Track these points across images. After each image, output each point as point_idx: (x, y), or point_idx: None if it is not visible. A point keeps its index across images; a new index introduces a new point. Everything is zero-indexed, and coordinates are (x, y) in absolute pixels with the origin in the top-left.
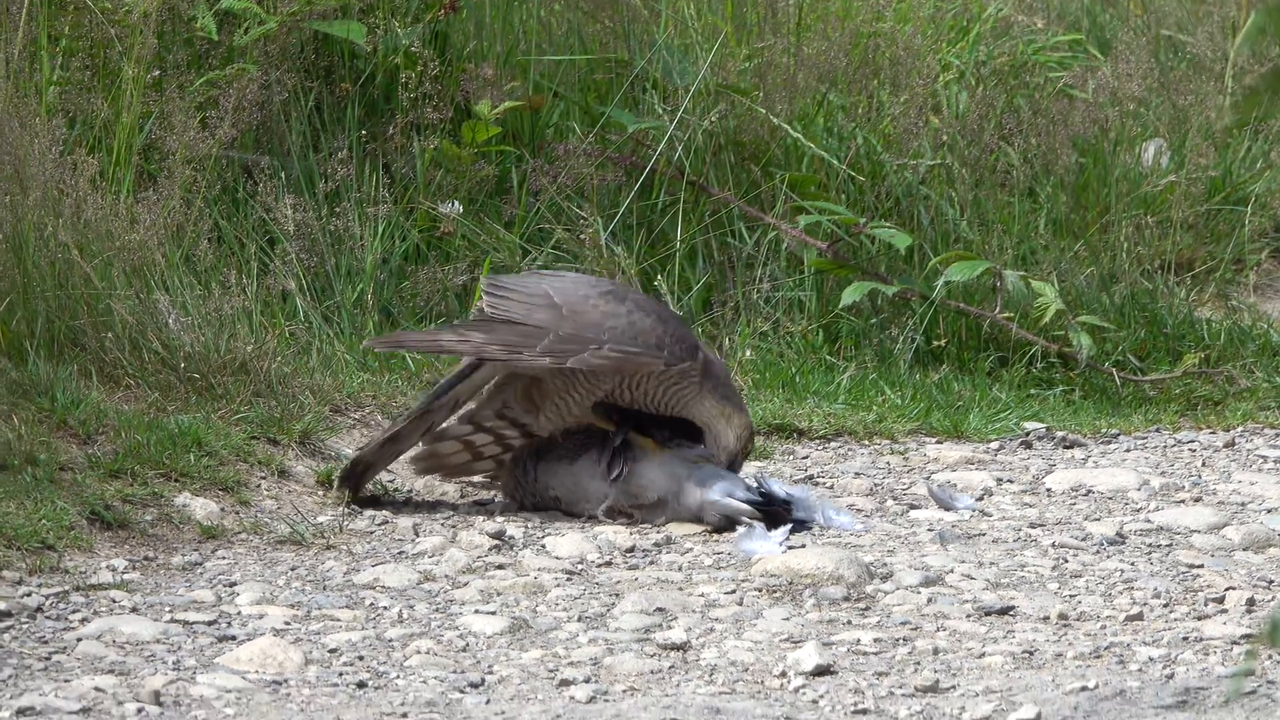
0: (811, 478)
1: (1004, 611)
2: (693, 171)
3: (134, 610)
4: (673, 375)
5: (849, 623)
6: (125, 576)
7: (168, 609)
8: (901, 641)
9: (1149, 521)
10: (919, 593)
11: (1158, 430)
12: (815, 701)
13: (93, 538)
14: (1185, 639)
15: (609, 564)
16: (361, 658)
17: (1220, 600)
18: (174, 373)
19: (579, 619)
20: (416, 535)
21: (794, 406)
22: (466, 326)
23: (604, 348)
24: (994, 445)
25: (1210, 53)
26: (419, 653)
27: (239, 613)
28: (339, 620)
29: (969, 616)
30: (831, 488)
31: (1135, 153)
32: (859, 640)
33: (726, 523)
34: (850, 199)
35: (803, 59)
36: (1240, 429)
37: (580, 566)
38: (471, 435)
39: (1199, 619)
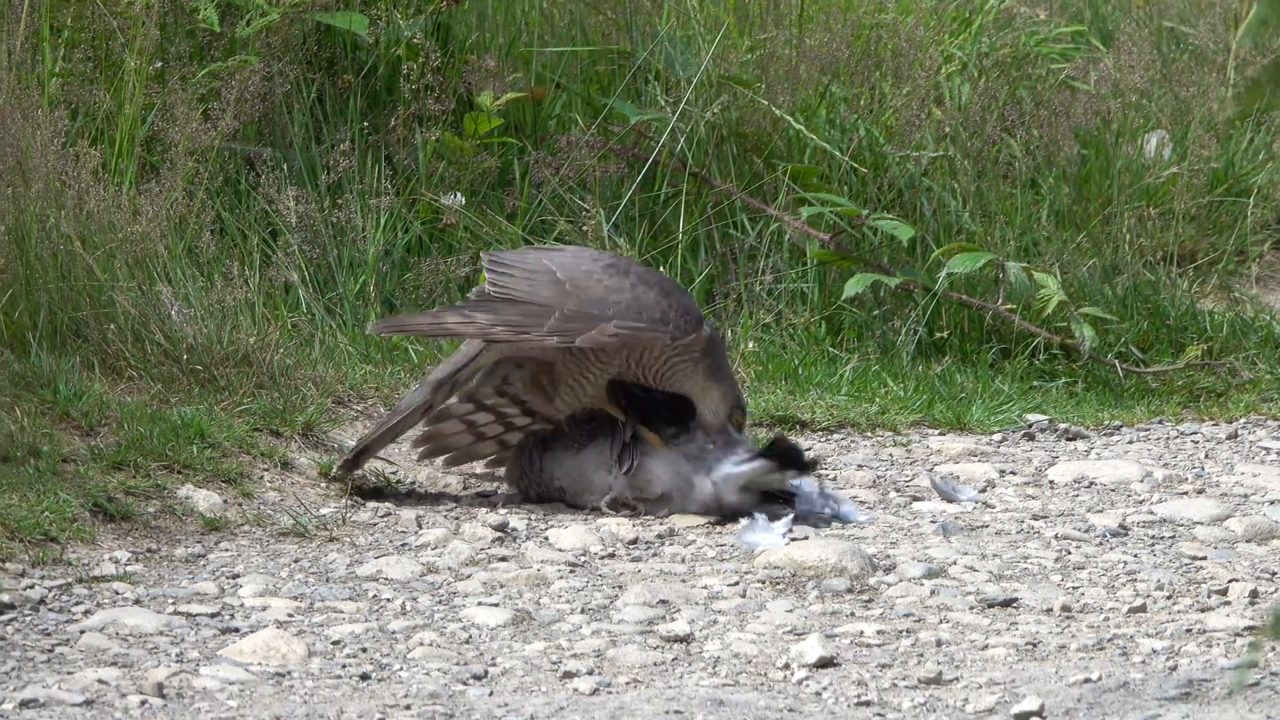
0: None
1: (1007, 603)
2: (695, 163)
3: (137, 602)
4: (676, 349)
5: (852, 615)
6: (128, 568)
7: (171, 601)
8: (905, 633)
9: (1152, 513)
10: (922, 585)
11: (1160, 422)
12: (818, 693)
13: (95, 530)
14: (1188, 631)
15: (612, 556)
16: (365, 650)
17: (1223, 592)
18: (176, 364)
19: (582, 611)
20: (419, 527)
21: (797, 398)
22: (470, 307)
23: (610, 324)
24: (997, 437)
25: (1212, 44)
26: (422, 645)
27: (242, 605)
28: (342, 612)
29: (972, 608)
30: (835, 480)
31: (1137, 144)
32: (862, 632)
33: (748, 498)
34: (853, 190)
35: (805, 50)
36: (1243, 420)
37: (583, 558)
38: (473, 414)
39: (1202, 611)
